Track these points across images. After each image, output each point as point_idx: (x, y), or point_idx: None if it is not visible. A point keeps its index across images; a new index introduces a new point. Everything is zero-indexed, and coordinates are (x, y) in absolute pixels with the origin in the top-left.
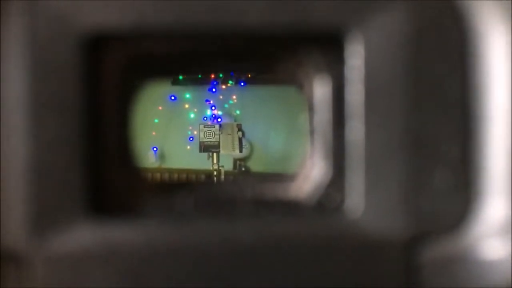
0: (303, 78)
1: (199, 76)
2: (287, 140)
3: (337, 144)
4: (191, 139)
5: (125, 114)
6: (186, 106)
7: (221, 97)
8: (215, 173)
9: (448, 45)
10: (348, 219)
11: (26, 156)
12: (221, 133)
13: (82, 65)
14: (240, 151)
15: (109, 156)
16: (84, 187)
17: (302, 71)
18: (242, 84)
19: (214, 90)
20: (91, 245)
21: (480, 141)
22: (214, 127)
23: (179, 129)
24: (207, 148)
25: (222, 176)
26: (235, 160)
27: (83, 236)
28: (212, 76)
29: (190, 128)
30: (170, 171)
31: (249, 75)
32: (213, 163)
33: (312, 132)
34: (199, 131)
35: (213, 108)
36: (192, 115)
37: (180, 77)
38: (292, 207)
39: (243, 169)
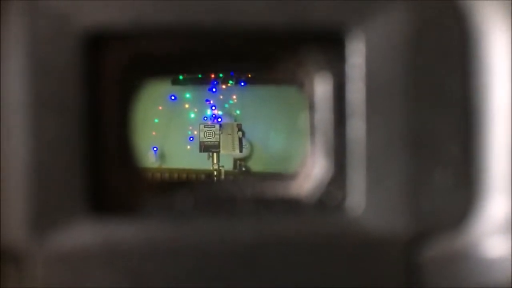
0: (304, 77)
1: (199, 76)
2: (288, 140)
3: (338, 142)
4: (191, 139)
5: (125, 113)
6: (186, 106)
7: (221, 97)
8: (215, 173)
9: (450, 43)
10: (349, 217)
11: (26, 154)
12: (221, 133)
13: (82, 65)
14: (240, 151)
15: (109, 154)
16: (84, 185)
17: (303, 69)
18: (242, 84)
19: (214, 90)
20: (91, 243)
21: (481, 140)
22: (214, 127)
23: (179, 129)
24: (207, 148)
25: (222, 176)
26: (235, 160)
27: (83, 234)
28: (212, 76)
29: (190, 128)
30: (170, 171)
31: (249, 75)
32: (213, 163)
33: (313, 131)
34: (199, 131)
35: (213, 108)
36: (192, 115)
37: (180, 77)
38: (292, 205)
39: (243, 169)
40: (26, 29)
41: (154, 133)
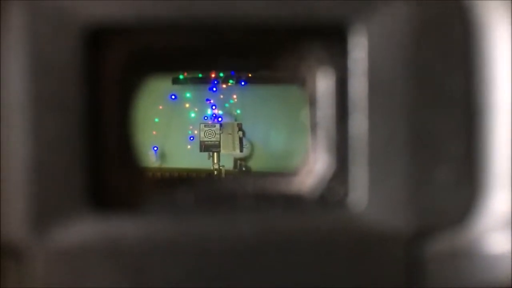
0: (306, 72)
1: (200, 75)
2: (288, 140)
3: (340, 138)
4: (191, 138)
5: (125, 112)
6: (187, 105)
7: (221, 96)
8: (215, 172)
9: (452, 38)
10: (351, 213)
11: (27, 151)
12: (222, 133)
13: (82, 63)
14: (241, 150)
15: (110, 152)
16: (84, 183)
17: (305, 64)
18: (242, 83)
19: (214, 89)
20: (92, 240)
21: (483, 137)
22: (215, 126)
23: (179, 128)
24: (207, 147)
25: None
26: (235, 160)
27: (84, 231)
28: (213, 75)
29: (191, 127)
30: (171, 170)
31: (249, 74)
32: (213, 163)
33: (315, 126)
34: (199, 130)
35: (214, 107)
36: (192, 115)
37: (181, 76)
38: (294, 201)
39: (243, 168)
40: (26, 28)
41: (154, 132)
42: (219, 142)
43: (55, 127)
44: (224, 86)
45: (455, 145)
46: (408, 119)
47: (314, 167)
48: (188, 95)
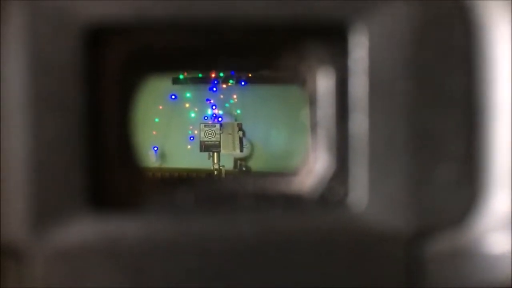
0: (307, 71)
1: (200, 75)
2: (289, 140)
3: (340, 138)
4: (191, 138)
5: (125, 112)
6: (187, 105)
7: (221, 96)
8: (215, 172)
9: (452, 38)
10: (351, 213)
11: (27, 151)
12: (222, 133)
13: (82, 63)
14: (241, 150)
15: (110, 152)
16: (84, 183)
17: (305, 64)
18: (242, 83)
19: (214, 89)
20: (91, 241)
21: (484, 136)
22: (215, 126)
23: (179, 128)
24: (207, 147)
25: (223, 176)
26: (235, 160)
27: (84, 232)
28: (213, 75)
29: (191, 127)
30: (171, 170)
31: (250, 74)
32: (213, 163)
33: (315, 126)
34: (199, 130)
35: (214, 107)
36: (192, 115)
37: (181, 76)
38: (294, 201)
39: (243, 168)
40: (26, 28)
41: (154, 132)
42: (219, 142)
43: (55, 127)
44: (224, 86)
45: (455, 145)
46: (409, 119)
47: (314, 167)
48: (188, 95)
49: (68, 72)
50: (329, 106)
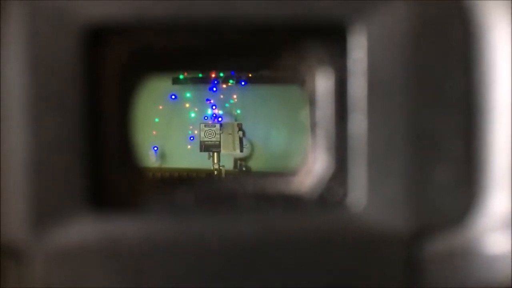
0: (306, 72)
1: (200, 75)
2: (289, 140)
3: (339, 138)
4: (191, 138)
5: (125, 112)
6: (187, 105)
7: (221, 96)
8: (215, 172)
9: (452, 38)
10: (350, 213)
11: (27, 150)
12: (222, 133)
13: (82, 62)
14: (241, 150)
15: (110, 152)
16: (84, 183)
17: (305, 64)
18: (242, 83)
19: (214, 89)
20: (91, 241)
21: (483, 137)
22: (215, 126)
23: (179, 128)
24: (207, 147)
25: (223, 176)
26: (235, 160)
27: (84, 232)
28: (213, 75)
29: (191, 127)
30: (171, 170)
31: (250, 74)
32: (213, 163)
33: (314, 126)
34: (199, 130)
35: (214, 107)
36: (192, 115)
37: (181, 76)
38: (294, 201)
39: (243, 168)
40: (26, 28)
41: (154, 132)
42: (219, 142)
43: (55, 127)
44: (224, 86)
45: (454, 145)
46: (408, 119)
47: (313, 167)
48: (188, 95)
49: (68, 72)
50: (328, 107)
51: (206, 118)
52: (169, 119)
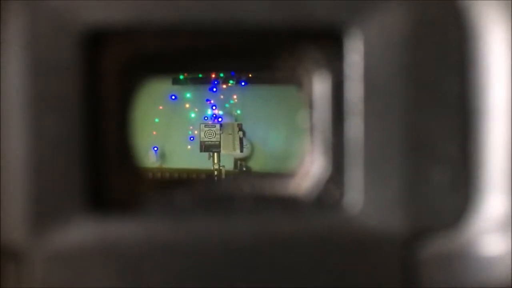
0: (303, 75)
1: (200, 75)
2: (288, 140)
3: (336, 141)
4: (191, 138)
5: (125, 112)
6: (187, 105)
7: (221, 96)
8: (215, 173)
9: (448, 41)
10: (347, 215)
11: (27, 151)
12: (222, 133)
13: (82, 63)
14: (241, 151)
15: (109, 153)
16: (83, 184)
17: (302, 68)
18: (243, 83)
19: (214, 89)
20: (90, 242)
21: (480, 138)
22: (215, 126)
23: (179, 128)
24: (207, 147)
25: (223, 176)
26: (235, 160)
27: (83, 233)
28: (213, 75)
29: (191, 127)
30: (171, 171)
31: (250, 75)
32: (213, 163)
33: (311, 129)
34: (199, 130)
35: (214, 107)
36: (192, 115)
37: (181, 77)
38: (291, 203)
39: (244, 169)
40: (26, 28)
41: (154, 132)
42: (219, 142)
43: (55, 127)
44: (224, 86)
45: (450, 148)
46: (404, 122)
47: (310, 169)
48: (188, 95)
49: (68, 73)
50: (325, 109)
51: (206, 118)
52: (169, 119)
